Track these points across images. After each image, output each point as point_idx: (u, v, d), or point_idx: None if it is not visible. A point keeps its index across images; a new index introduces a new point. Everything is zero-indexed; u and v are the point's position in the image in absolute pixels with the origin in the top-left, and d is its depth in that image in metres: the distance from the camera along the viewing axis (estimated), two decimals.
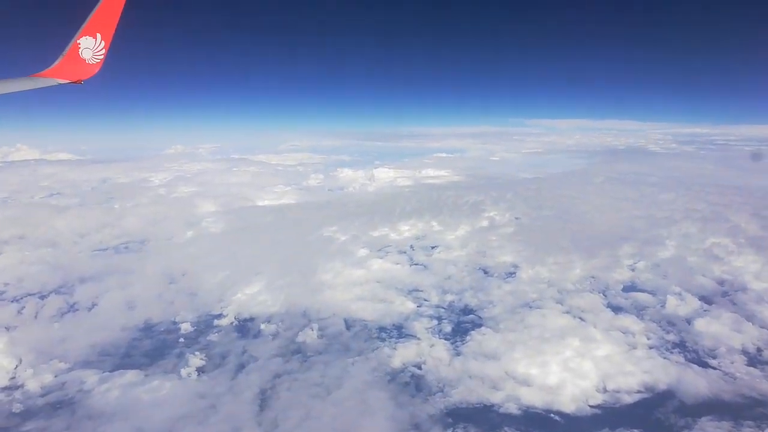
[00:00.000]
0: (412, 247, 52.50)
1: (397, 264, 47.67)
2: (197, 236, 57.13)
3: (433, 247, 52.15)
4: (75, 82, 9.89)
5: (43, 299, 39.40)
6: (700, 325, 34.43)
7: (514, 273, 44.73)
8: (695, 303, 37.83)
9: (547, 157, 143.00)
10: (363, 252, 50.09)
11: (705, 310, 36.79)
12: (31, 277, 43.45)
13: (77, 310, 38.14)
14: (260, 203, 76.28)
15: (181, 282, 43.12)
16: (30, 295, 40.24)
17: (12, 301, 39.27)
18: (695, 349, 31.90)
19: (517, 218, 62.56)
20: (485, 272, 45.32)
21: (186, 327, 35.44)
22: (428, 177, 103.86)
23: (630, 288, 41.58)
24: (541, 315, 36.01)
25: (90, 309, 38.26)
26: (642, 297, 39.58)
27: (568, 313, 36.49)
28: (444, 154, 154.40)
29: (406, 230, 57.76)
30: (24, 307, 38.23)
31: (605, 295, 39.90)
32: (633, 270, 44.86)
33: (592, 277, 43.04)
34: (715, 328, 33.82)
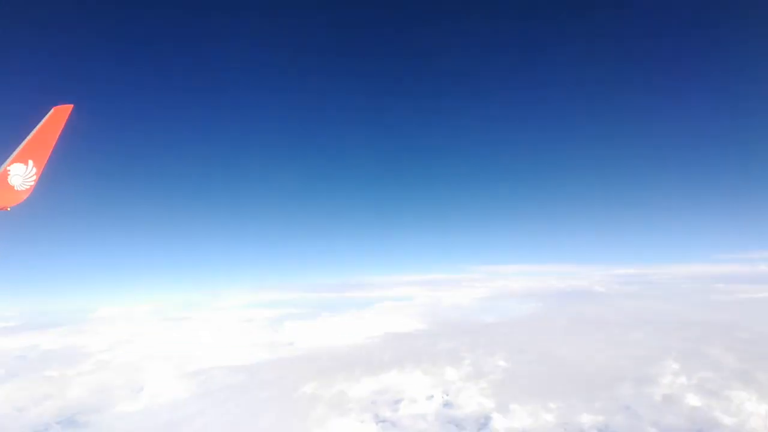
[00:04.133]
0: (373, 402, 54.42)
1: (363, 422, 49.28)
2: (152, 404, 56.64)
3: (396, 402, 54.22)
4: (1, 209, 10.16)
5: None
6: None
7: (487, 424, 47.43)
8: None
9: (499, 302, 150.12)
10: (335, 413, 51.49)
11: None
12: None
13: None
14: (216, 363, 76.22)
15: None
16: None
17: None
18: None
19: (500, 364, 65.84)
20: (457, 426, 47.75)
21: None
22: (387, 326, 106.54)
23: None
24: None
25: None
26: None
27: None
28: (392, 303, 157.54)
29: (379, 384, 59.66)
30: None
31: None
32: (606, 413, 48.38)
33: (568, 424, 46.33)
34: None
